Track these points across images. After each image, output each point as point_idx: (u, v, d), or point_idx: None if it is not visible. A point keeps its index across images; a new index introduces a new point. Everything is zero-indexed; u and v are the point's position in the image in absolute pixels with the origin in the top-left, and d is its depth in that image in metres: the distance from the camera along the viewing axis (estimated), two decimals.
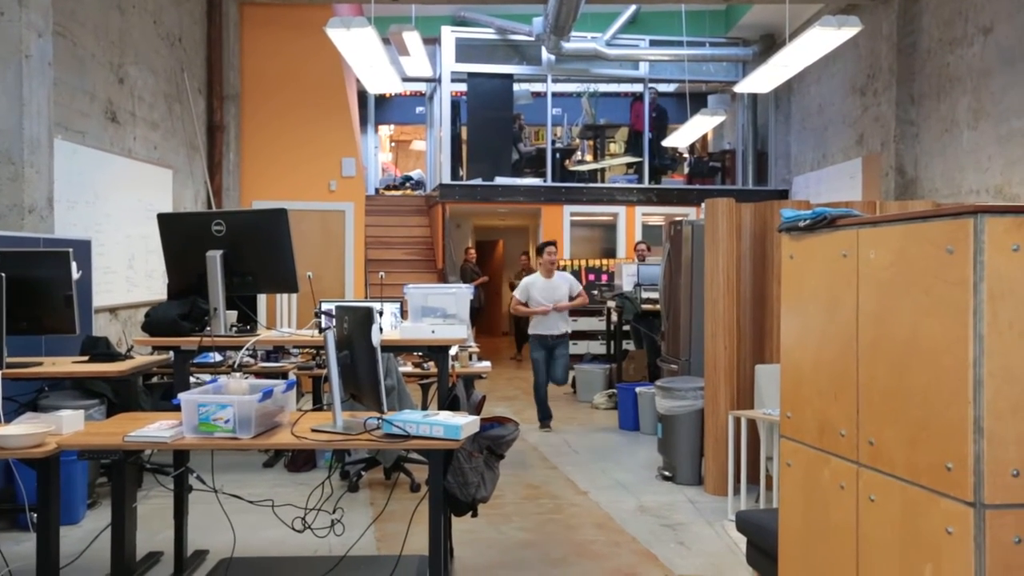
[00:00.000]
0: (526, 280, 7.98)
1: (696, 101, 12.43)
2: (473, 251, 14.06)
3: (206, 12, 9.37)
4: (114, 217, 6.94)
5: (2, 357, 3.53)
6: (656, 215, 13.10)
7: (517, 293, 7.91)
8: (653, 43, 13.00)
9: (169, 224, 4.30)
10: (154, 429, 3.12)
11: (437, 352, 4.47)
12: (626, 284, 9.41)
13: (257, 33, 10.00)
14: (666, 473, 5.84)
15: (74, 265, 4.16)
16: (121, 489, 3.41)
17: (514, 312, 8.33)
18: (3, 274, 3.59)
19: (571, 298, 7.82)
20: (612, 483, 5.81)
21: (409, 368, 6.19)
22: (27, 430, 3.01)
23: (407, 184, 16.00)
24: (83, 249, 5.67)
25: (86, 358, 4.39)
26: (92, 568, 3.86)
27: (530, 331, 7.90)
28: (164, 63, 8.17)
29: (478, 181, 12.57)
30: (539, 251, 8.16)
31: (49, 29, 5.64)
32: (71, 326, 4.12)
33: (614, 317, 9.43)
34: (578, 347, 11.45)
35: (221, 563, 3.93)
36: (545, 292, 7.77)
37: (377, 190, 15.43)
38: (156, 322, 4.20)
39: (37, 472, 3.06)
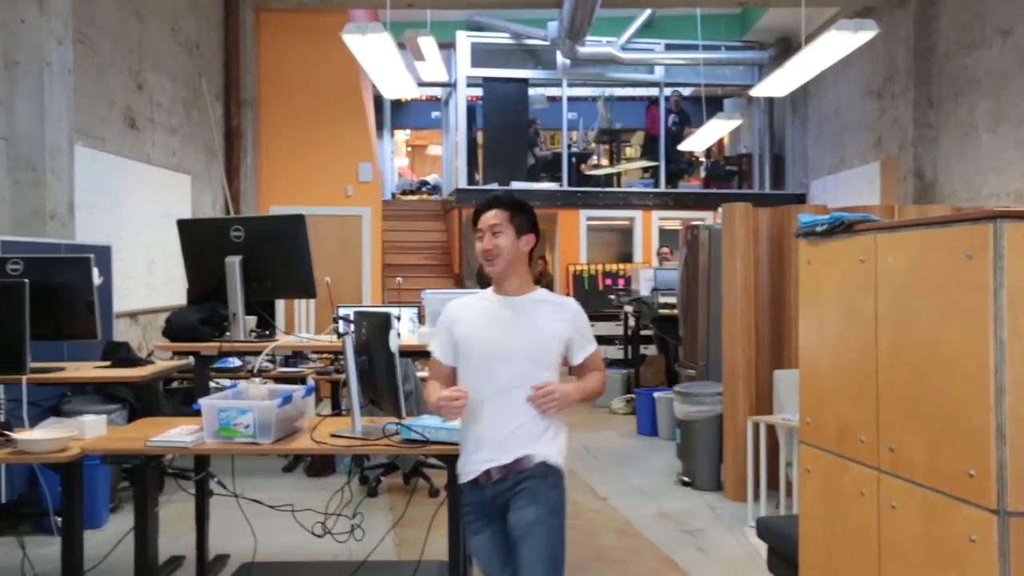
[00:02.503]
0: (452, 306, 2.94)
1: (712, 105, 12.41)
2: None
3: (223, 18, 9.44)
4: (133, 222, 7.00)
5: (26, 362, 3.57)
6: (673, 219, 13.07)
7: (433, 347, 2.96)
8: (668, 47, 12.99)
9: (189, 230, 4.35)
10: (175, 434, 3.15)
11: None
12: (643, 289, 9.39)
13: (274, 39, 10.07)
14: (685, 479, 5.83)
15: (96, 271, 4.20)
16: (143, 493, 3.44)
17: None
18: (27, 281, 3.63)
19: (578, 367, 2.91)
20: (631, 489, 5.80)
21: (427, 373, 6.19)
22: (51, 435, 3.04)
23: (423, 189, 16.04)
24: (104, 254, 5.71)
25: (108, 363, 4.43)
26: (116, 572, 3.89)
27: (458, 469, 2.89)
28: (182, 69, 8.24)
29: (494, 185, 12.58)
30: (474, 222, 2.90)
31: (69, 36, 5.71)
32: (93, 331, 4.16)
33: (631, 322, 9.42)
34: None
35: (243, 568, 3.96)
36: (494, 335, 2.80)
37: (394, 195, 15.48)
38: (177, 327, 4.24)
39: (61, 477, 3.10)
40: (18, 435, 3.03)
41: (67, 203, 5.67)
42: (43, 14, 5.46)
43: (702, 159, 14.44)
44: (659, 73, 13.33)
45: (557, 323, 2.81)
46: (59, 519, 3.16)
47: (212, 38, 9.14)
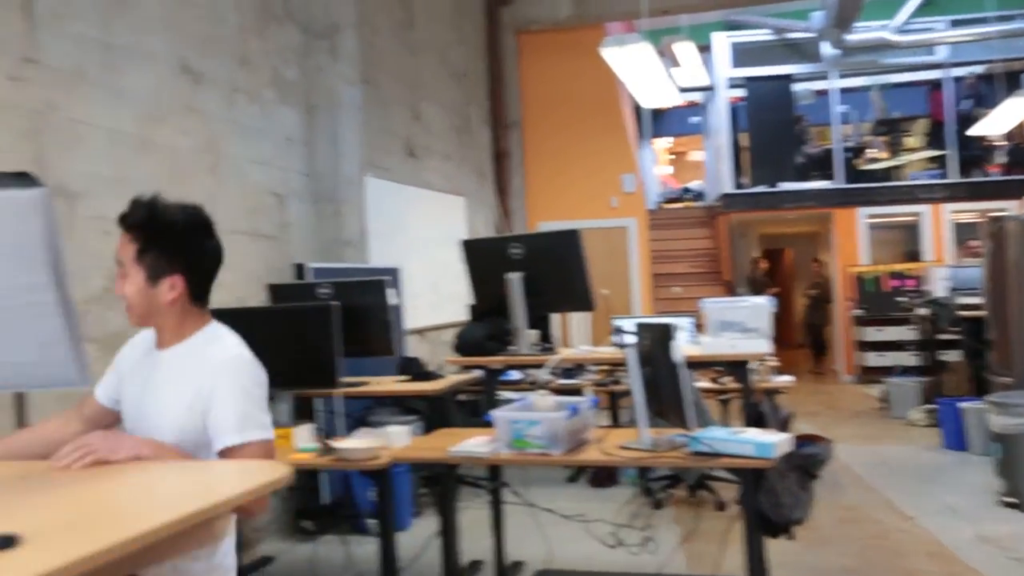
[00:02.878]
0: (136, 337, 2.09)
1: (1010, 82, 11.12)
2: (764, 261, 13.57)
3: (487, 45, 9.86)
4: (417, 244, 7.45)
5: (340, 377, 3.85)
6: (968, 212, 11.88)
7: None
8: (955, 23, 11.84)
9: (472, 249, 4.54)
10: (472, 444, 3.27)
11: (737, 367, 4.31)
12: (938, 289, 8.58)
13: (533, 59, 10.36)
14: (1010, 500, 5.17)
15: (392, 291, 4.49)
16: (447, 499, 3.60)
17: None
18: (338, 303, 3.94)
19: None
20: (942, 508, 5.26)
21: (707, 384, 6.04)
22: (365, 444, 3.28)
23: (687, 196, 15.81)
24: (394, 276, 6.12)
25: (407, 377, 4.72)
26: (423, 572, 4.12)
27: None
28: (452, 98, 8.69)
29: (762, 188, 12.12)
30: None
31: (358, 78, 6.20)
32: (390, 348, 4.44)
33: (926, 326, 8.65)
34: (886, 359, 10.62)
35: (539, 574, 4.03)
36: (130, 403, 1.99)
37: (658, 204, 15.37)
38: (466, 343, 4.43)
39: (376, 482, 3.32)
40: (337, 443, 3.29)
41: (360, 230, 6.15)
42: (335, 60, 5.99)
43: (1001, 143, 13.00)
44: (941, 53, 12.19)
45: (184, 391, 1.87)
46: (373, 521, 3.38)
47: (478, 65, 9.57)
